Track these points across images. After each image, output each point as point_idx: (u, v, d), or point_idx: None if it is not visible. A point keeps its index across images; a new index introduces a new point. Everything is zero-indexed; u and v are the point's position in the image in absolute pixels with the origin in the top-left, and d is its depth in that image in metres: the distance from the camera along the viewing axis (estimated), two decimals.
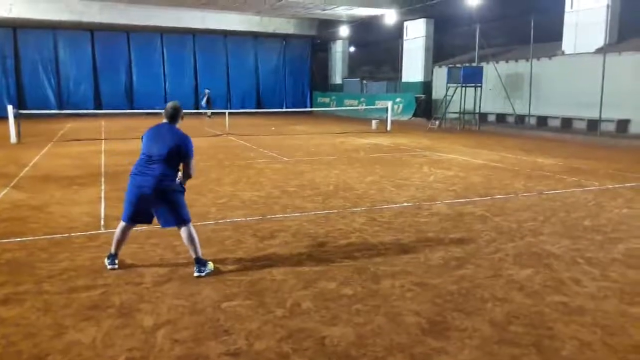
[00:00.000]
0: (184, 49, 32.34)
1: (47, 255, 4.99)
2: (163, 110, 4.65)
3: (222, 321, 3.55)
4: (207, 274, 4.43)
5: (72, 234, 5.69)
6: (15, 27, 28.07)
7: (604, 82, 16.15)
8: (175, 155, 4.47)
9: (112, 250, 4.64)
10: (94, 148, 13.77)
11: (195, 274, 4.41)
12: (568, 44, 18.67)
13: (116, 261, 4.62)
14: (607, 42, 17.31)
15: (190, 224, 4.57)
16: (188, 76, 32.61)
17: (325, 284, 4.21)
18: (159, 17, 27.87)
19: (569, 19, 18.56)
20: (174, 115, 4.63)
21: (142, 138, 4.66)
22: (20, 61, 28.85)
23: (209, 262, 4.57)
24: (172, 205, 4.47)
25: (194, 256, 4.50)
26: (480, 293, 4.02)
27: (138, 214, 4.54)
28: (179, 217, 4.51)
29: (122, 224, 4.61)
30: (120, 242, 4.63)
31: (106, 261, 4.64)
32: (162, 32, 31.12)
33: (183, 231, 4.53)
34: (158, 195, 4.40)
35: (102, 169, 10.23)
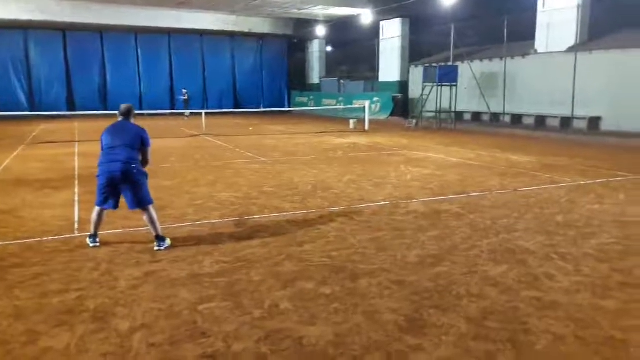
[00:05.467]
0: (159, 49, 31.96)
1: (18, 260, 4.87)
2: (118, 111, 5.41)
3: (199, 323, 3.52)
4: (166, 248, 5.11)
5: (45, 238, 5.57)
6: None
7: (575, 80, 16.51)
8: (135, 142, 5.17)
9: (92, 231, 5.27)
10: (68, 150, 13.50)
11: (156, 248, 5.10)
12: (541, 43, 19.04)
13: (97, 240, 5.26)
14: (578, 41, 17.71)
15: (152, 206, 5.22)
16: (163, 76, 32.24)
17: (304, 284, 4.21)
18: (133, 16, 27.51)
19: (541, 18, 18.93)
20: (128, 113, 5.39)
21: (101, 137, 5.28)
22: None
23: (167, 238, 5.24)
24: (138, 187, 5.11)
25: (154, 234, 5.17)
26: (456, 290, 4.07)
27: (108, 197, 5.14)
28: (144, 199, 5.17)
29: (96, 208, 5.23)
30: (97, 224, 5.26)
31: (88, 240, 5.26)
32: (137, 32, 30.73)
33: (146, 212, 5.17)
34: (126, 178, 5.03)
35: (76, 172, 10.04)
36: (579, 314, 3.62)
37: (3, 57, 28.32)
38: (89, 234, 5.31)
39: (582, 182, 8.68)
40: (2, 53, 28.30)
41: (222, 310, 3.73)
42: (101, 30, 29.90)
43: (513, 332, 3.35)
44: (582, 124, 17.11)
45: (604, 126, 16.94)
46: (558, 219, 6.27)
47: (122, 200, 5.24)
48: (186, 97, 27.94)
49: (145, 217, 5.20)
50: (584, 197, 7.55)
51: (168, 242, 5.23)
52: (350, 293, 4.02)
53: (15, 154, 12.99)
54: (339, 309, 3.73)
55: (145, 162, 5.29)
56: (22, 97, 28.88)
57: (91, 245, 5.21)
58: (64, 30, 29.14)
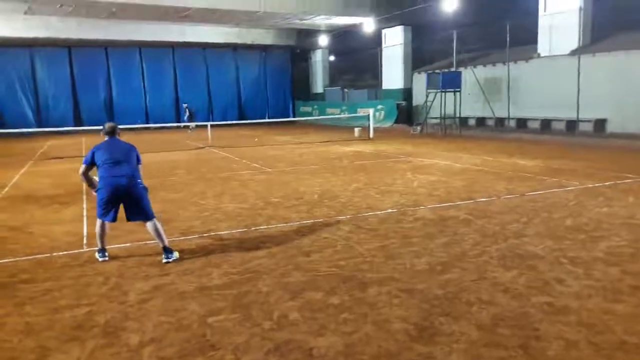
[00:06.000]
0: (164, 63, 32.24)
1: (28, 276, 4.90)
2: (102, 130, 5.52)
3: (209, 336, 3.52)
4: (174, 261, 5.14)
5: (54, 254, 5.60)
6: None
7: (579, 83, 16.47)
8: (133, 158, 5.34)
9: (99, 245, 5.31)
10: (75, 166, 13.50)
11: (164, 261, 5.13)
12: (543, 46, 19.02)
13: (106, 254, 5.30)
14: (581, 44, 17.68)
15: (155, 219, 5.31)
16: (168, 90, 32.49)
17: (312, 294, 4.20)
18: (137, 31, 27.76)
19: (543, 22, 18.93)
20: (114, 131, 5.51)
21: (92, 153, 5.30)
22: None
23: (175, 251, 5.28)
24: (140, 202, 5.23)
25: (161, 245, 5.23)
26: (466, 297, 4.04)
27: (109, 211, 5.22)
28: (146, 213, 5.28)
29: (98, 221, 5.31)
30: (102, 236, 5.32)
31: (97, 255, 5.29)
32: (141, 46, 31.02)
33: (149, 225, 5.27)
34: (129, 193, 5.17)
35: (84, 187, 10.08)
36: (591, 319, 3.59)
37: (10, 75, 28.65)
38: (97, 248, 5.34)
39: (590, 185, 8.63)
40: (9, 70, 28.64)
41: (232, 322, 3.73)
42: (106, 46, 30.20)
43: (525, 338, 3.33)
44: (588, 127, 17.04)
45: (610, 128, 16.86)
46: (567, 223, 6.23)
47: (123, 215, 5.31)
48: (188, 113, 28.05)
49: (150, 230, 5.28)
50: (592, 200, 7.50)
51: (176, 254, 5.26)
52: (359, 302, 4.00)
53: (23, 170, 13.09)
54: (348, 318, 3.72)
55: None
56: (30, 114, 29.17)
57: (100, 259, 5.24)
58: (70, 46, 29.46)
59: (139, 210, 5.24)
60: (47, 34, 26.08)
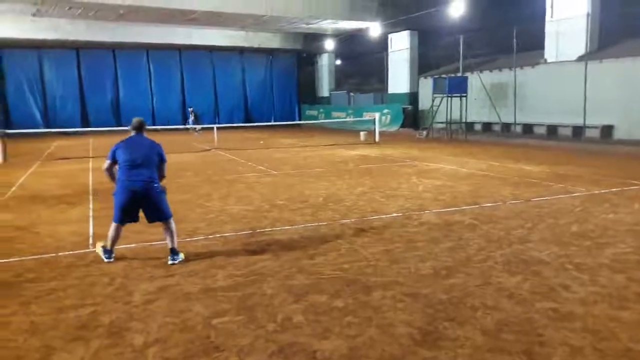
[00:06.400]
0: (171, 65, 32.40)
1: (34, 275, 4.93)
2: (130, 125, 5.42)
3: (213, 338, 3.53)
4: (180, 262, 5.15)
5: (60, 254, 5.63)
6: None
7: (586, 89, 16.41)
8: (154, 159, 5.28)
9: (108, 246, 5.28)
10: (82, 166, 13.66)
11: (170, 262, 5.14)
12: (550, 52, 18.98)
13: (113, 255, 5.28)
14: (588, 50, 17.63)
15: (172, 219, 5.32)
16: (175, 92, 32.64)
17: (316, 297, 4.20)
18: (144, 34, 27.93)
19: (550, 28, 18.89)
20: (141, 127, 5.42)
21: (114, 150, 5.27)
22: (5, 81, 28.73)
23: (181, 253, 5.28)
24: (158, 204, 5.25)
25: (170, 246, 5.23)
26: (471, 302, 4.03)
27: (127, 215, 5.24)
28: (164, 214, 5.29)
29: (114, 224, 5.26)
30: (114, 240, 5.28)
31: (104, 255, 5.27)
32: (148, 48, 31.17)
33: (167, 224, 5.26)
34: (147, 196, 5.16)
35: (90, 187, 10.16)
36: (596, 326, 3.57)
37: (18, 76, 28.88)
38: (104, 247, 5.32)
39: (596, 192, 8.59)
40: (18, 72, 28.87)
41: (236, 324, 3.73)
42: (114, 48, 30.38)
43: (529, 344, 3.31)
44: (595, 133, 16.97)
45: (617, 135, 16.79)
46: (572, 229, 6.20)
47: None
48: (193, 116, 28.10)
49: (164, 230, 5.30)
50: (598, 206, 7.47)
51: (182, 256, 5.27)
52: (364, 306, 4.00)
53: (31, 170, 13.17)
54: (353, 322, 3.72)
55: (161, 176, 5.41)
56: (37, 115, 29.37)
57: (106, 260, 5.24)
58: (78, 48, 29.67)
59: (157, 212, 5.27)
60: (55, 35, 26.28)
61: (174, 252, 5.22)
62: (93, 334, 3.62)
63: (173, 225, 5.31)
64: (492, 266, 4.89)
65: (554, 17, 18.67)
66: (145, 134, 5.47)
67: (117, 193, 5.19)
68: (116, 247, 5.47)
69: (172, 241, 5.24)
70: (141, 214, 5.35)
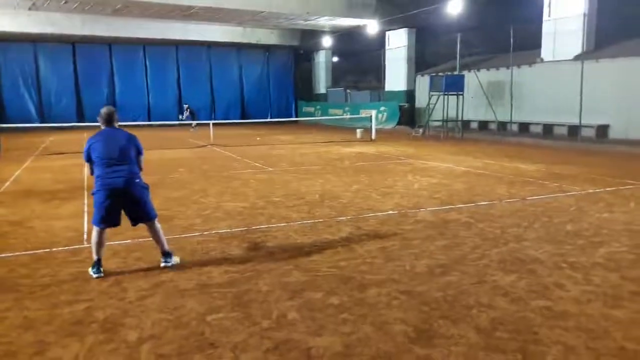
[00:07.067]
0: (167, 61, 32.29)
1: (28, 271, 4.90)
2: (99, 117, 4.92)
3: (208, 334, 3.52)
4: (173, 265, 4.89)
5: (54, 249, 5.61)
6: None
7: (582, 88, 16.45)
8: (132, 153, 4.84)
9: (94, 257, 4.75)
10: (77, 161, 13.58)
11: (162, 265, 4.88)
12: (547, 51, 19.02)
13: (101, 269, 4.72)
14: (584, 49, 17.68)
15: (156, 220, 4.94)
16: (171, 87, 32.53)
17: (312, 294, 4.20)
18: (141, 29, 27.79)
19: (547, 27, 18.93)
20: (111, 119, 4.91)
21: (87, 146, 4.83)
22: (0, 75, 28.52)
23: (175, 256, 5.01)
24: (141, 202, 4.83)
25: (161, 249, 4.92)
26: (466, 300, 4.04)
27: (108, 216, 4.74)
28: (148, 214, 4.89)
29: (95, 229, 4.79)
30: (98, 247, 4.76)
31: (91, 271, 4.71)
32: (145, 43, 31.05)
33: (150, 227, 4.91)
34: (128, 194, 4.74)
35: (85, 183, 10.11)
36: (590, 324, 3.58)
37: (13, 70, 28.74)
38: (92, 263, 4.76)
39: (591, 191, 8.62)
40: (13, 66, 28.72)
41: (231, 320, 3.73)
42: (110, 43, 30.24)
43: (523, 343, 3.32)
44: (590, 132, 17.03)
45: (612, 134, 16.86)
46: (567, 228, 6.22)
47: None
48: (188, 112, 27.92)
49: (151, 232, 4.94)
50: (593, 205, 7.50)
51: (176, 259, 4.98)
52: (359, 303, 4.00)
53: (25, 165, 13.11)
54: (347, 319, 3.72)
55: (139, 169, 4.95)
56: (32, 109, 29.24)
57: (95, 276, 4.63)
58: (74, 42, 29.53)
59: (140, 212, 4.83)
60: (51, 29, 26.14)
61: (166, 254, 4.91)
62: (87, 330, 3.61)
63: (158, 226, 4.93)
64: (487, 264, 4.90)
65: (551, 17, 18.71)
66: (117, 125, 4.96)
67: (97, 192, 4.74)
68: (110, 242, 5.38)
69: (162, 244, 4.91)
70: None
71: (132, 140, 4.90)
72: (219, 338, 3.46)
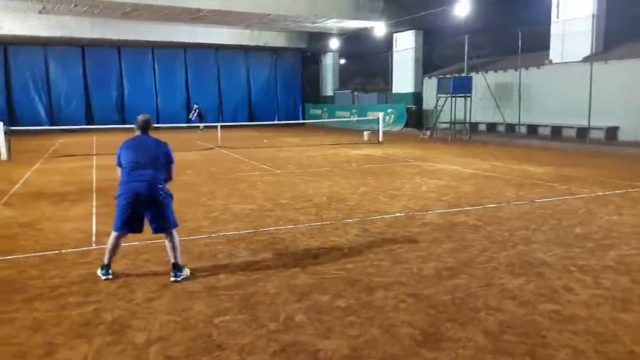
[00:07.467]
0: (175, 63, 32.44)
1: (37, 272, 4.94)
2: (135, 124, 4.96)
3: (215, 336, 3.53)
4: (183, 279, 4.65)
5: (63, 251, 5.65)
6: (5, 44, 28.09)
7: (591, 90, 16.34)
8: (160, 160, 4.80)
9: (105, 261, 4.76)
10: (86, 163, 13.71)
11: (172, 279, 4.64)
12: (555, 53, 18.92)
13: (110, 271, 4.74)
14: (593, 51, 17.56)
15: (174, 231, 4.82)
16: (179, 90, 32.68)
17: (319, 297, 4.20)
18: (150, 32, 27.96)
19: (555, 29, 18.82)
20: (147, 126, 4.95)
21: (119, 151, 4.85)
22: (10, 77, 28.85)
23: (186, 268, 4.81)
24: (163, 210, 4.73)
25: (173, 261, 4.73)
26: (474, 303, 4.02)
27: (130, 221, 4.70)
28: (170, 223, 4.78)
29: (113, 234, 4.76)
30: (112, 252, 4.77)
31: (100, 272, 4.75)
32: (153, 46, 31.23)
33: (169, 236, 4.77)
34: (151, 199, 4.65)
35: (94, 185, 10.18)
36: (599, 328, 3.56)
37: (24, 73, 29.01)
38: (101, 264, 4.80)
39: (600, 193, 8.56)
40: (23, 69, 28.99)
41: (238, 323, 3.74)
42: (119, 46, 30.45)
43: (532, 346, 3.30)
44: (600, 134, 16.91)
45: (622, 136, 16.72)
46: (576, 231, 6.18)
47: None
48: (196, 113, 28.01)
49: (167, 242, 4.79)
50: (603, 208, 7.44)
51: (186, 272, 4.74)
52: (366, 306, 4.00)
53: (35, 167, 13.22)
54: (355, 322, 3.72)
55: (168, 178, 4.92)
56: (42, 112, 29.47)
57: (103, 278, 4.66)
58: (83, 46, 29.76)
59: (162, 220, 4.71)
60: (61, 33, 26.35)
61: (177, 267, 4.70)
62: (95, 332, 3.63)
63: (176, 238, 4.80)
64: (496, 267, 4.88)
65: (559, 18, 18.60)
66: (151, 133, 5.00)
67: (119, 195, 4.70)
68: None
69: (176, 255, 4.72)
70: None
71: (162, 147, 4.88)
72: (226, 340, 3.46)
